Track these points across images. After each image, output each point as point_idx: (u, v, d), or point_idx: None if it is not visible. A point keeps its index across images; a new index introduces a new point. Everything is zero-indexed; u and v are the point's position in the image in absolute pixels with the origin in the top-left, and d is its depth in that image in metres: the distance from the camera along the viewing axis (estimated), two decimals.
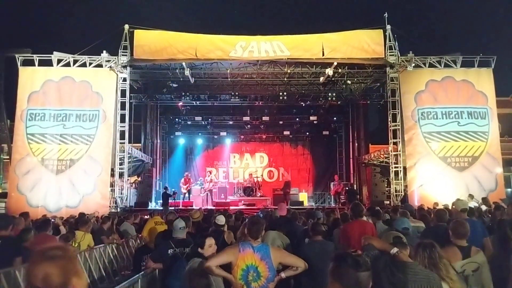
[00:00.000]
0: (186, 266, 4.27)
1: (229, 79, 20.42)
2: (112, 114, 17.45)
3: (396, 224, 5.92)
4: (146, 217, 13.76)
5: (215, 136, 25.41)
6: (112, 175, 17.53)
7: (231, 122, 24.11)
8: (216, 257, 3.86)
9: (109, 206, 16.94)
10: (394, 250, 3.17)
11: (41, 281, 1.77)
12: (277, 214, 8.35)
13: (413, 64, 17.92)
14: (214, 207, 17.27)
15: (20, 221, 7.64)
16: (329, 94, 20.83)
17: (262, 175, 24.57)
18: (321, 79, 19.91)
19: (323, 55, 17.38)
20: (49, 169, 16.89)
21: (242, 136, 25.85)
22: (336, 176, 22.47)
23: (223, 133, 24.94)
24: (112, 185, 17.54)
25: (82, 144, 17.13)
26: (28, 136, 17.05)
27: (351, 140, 24.24)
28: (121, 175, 17.76)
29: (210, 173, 22.81)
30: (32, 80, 17.50)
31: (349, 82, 20.69)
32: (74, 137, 17.17)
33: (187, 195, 20.42)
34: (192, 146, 25.26)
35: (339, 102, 22.02)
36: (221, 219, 6.37)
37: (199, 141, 25.21)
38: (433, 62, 18.25)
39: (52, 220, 11.77)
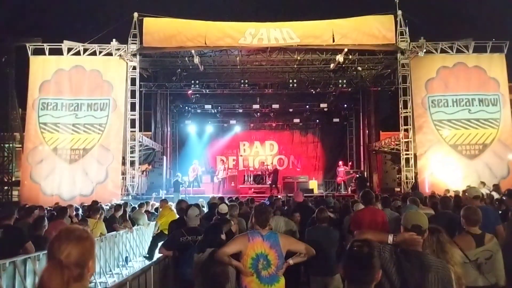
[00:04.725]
0: (197, 254, 4.34)
1: (238, 67, 20.37)
2: (122, 102, 17.55)
3: (403, 211, 5.94)
4: (156, 204, 13.92)
5: (225, 124, 25.41)
6: (123, 163, 17.70)
7: (240, 110, 24.08)
8: (226, 246, 3.89)
9: (121, 194, 17.15)
10: (390, 238, 3.13)
11: (64, 256, 1.89)
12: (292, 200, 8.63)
13: (425, 50, 17.70)
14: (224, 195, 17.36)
15: (35, 210, 7.79)
16: (340, 81, 20.70)
17: (272, 163, 24.58)
18: (332, 65, 19.78)
19: (333, 41, 17.22)
20: (62, 158, 17.09)
21: (252, 124, 25.83)
22: (341, 161, 22.19)
23: (232, 121, 24.92)
24: (123, 173, 17.71)
25: (94, 134, 17.29)
26: (40, 125, 17.23)
27: (361, 127, 24.11)
28: (132, 163, 17.92)
29: (223, 161, 22.83)
30: (43, 69, 17.63)
31: (359, 68, 20.53)
32: (86, 127, 17.35)
33: (195, 183, 20.48)
34: (202, 134, 25.32)
35: (349, 89, 21.85)
36: (223, 208, 6.41)
37: (209, 129, 25.24)
38: (445, 47, 18.02)
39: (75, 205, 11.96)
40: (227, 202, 8.85)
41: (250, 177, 22.25)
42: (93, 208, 9.37)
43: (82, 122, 17.37)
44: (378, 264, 2.18)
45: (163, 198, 12.45)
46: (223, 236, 4.55)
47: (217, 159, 24.92)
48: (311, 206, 8.42)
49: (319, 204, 8.58)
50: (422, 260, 2.82)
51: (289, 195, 15.00)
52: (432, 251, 3.13)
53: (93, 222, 8.39)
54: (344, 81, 20.68)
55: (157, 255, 8.60)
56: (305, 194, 15.77)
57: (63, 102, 17.44)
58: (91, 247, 2.00)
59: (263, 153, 25.89)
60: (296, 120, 24.75)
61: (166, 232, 8.31)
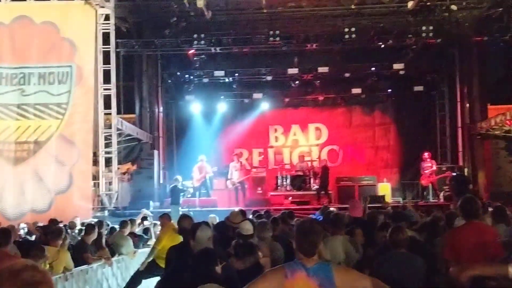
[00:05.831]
0: None
1: (264, 11, 20.32)
2: (91, 71, 17.77)
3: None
4: (147, 222, 14.10)
5: (246, 100, 25.42)
6: (95, 162, 17.94)
7: (269, 78, 24.06)
8: (253, 286, 3.91)
9: (93, 209, 17.40)
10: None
11: None
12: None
13: None
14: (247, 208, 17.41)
15: None
16: (423, 29, 20.42)
17: (319, 157, 24.53)
18: (410, 4, 19.52)
19: None
20: (4, 157, 17.45)
21: (287, 99, 25.78)
22: (428, 153, 21.89)
23: (257, 95, 24.91)
24: (95, 177, 17.96)
25: (50, 119, 17.58)
26: None
27: (458, 100, 23.84)
28: (108, 162, 18.16)
29: (239, 156, 22.88)
30: None
31: (453, 7, 20.20)
32: (38, 108, 17.62)
33: (203, 190, 20.58)
34: (211, 116, 25.39)
35: (438, 41, 21.55)
36: (247, 227, 6.44)
37: (222, 107, 25.28)
38: None
39: (24, 227, 12.24)
40: (252, 218, 8.90)
41: (286, 180, 22.25)
42: (52, 231, 9.51)
43: (32, 101, 17.67)
44: None
45: (164, 213, 12.50)
46: (218, 269, 4.62)
47: (234, 153, 24.99)
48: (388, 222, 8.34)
49: (395, 219, 8.52)
50: None
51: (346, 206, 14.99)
52: None
53: (53, 251, 8.50)
54: (430, 28, 20.38)
55: None
56: (372, 204, 15.78)
57: (2, 72, 17.75)
58: None
59: (305, 143, 25.87)
60: (356, 91, 24.57)
61: (162, 264, 8.41)
